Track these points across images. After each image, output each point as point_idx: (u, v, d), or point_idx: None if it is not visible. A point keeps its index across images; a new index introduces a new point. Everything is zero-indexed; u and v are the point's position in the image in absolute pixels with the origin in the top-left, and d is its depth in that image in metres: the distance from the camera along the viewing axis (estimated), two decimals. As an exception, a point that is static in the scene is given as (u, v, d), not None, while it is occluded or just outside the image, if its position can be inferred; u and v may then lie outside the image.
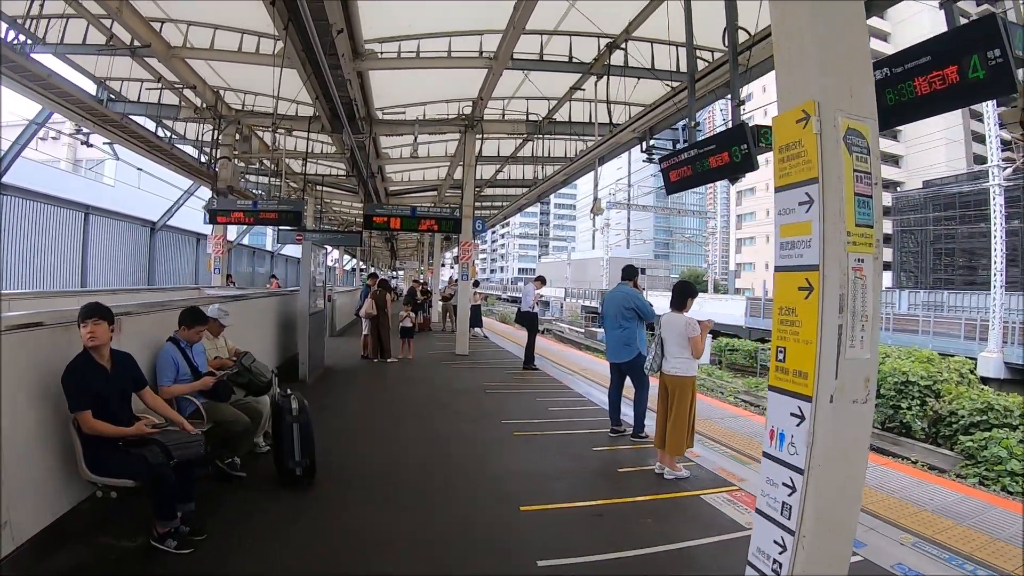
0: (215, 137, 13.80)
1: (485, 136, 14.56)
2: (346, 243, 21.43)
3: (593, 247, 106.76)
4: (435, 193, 23.49)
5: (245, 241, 26.09)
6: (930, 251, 44.65)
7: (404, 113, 14.23)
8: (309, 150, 13.94)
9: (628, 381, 7.14)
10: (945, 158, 55.50)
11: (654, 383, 6.15)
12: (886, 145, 63.83)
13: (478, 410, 8.37)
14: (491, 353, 14.80)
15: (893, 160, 65.10)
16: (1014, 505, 6.11)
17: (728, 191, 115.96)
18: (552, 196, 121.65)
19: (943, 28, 4.35)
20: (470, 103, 13.76)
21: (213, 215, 12.88)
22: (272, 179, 17.78)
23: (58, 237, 13.62)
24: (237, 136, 14.79)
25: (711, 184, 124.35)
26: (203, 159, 14.75)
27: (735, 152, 5.98)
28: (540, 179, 16.63)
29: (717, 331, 34.63)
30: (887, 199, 60.74)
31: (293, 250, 40.22)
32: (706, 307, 41.55)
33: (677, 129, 15.77)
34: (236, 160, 16.12)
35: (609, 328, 7.15)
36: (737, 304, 38.50)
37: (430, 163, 19.14)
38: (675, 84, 10.71)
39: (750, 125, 5.97)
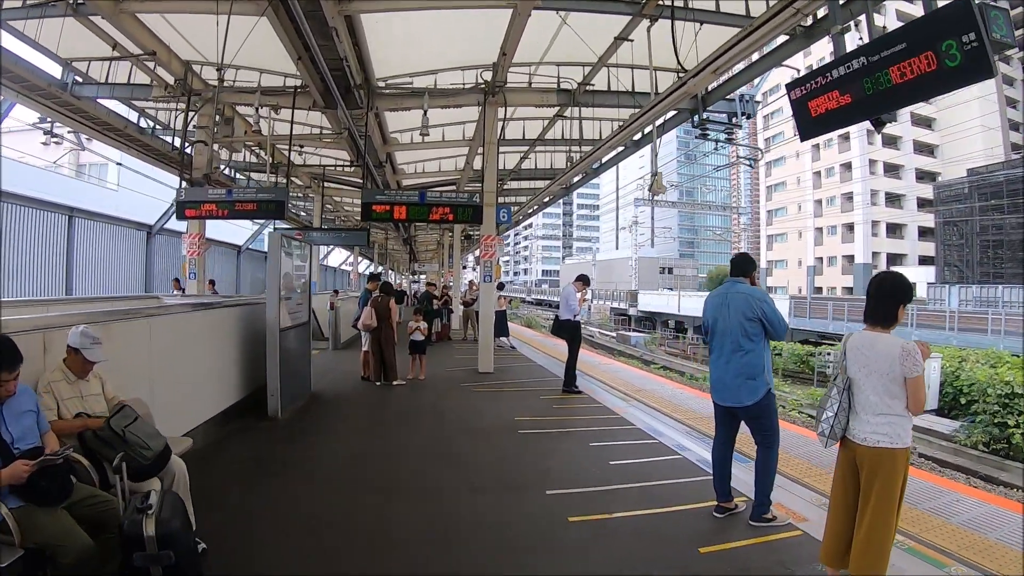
0: (186, 116, 11.53)
1: (508, 107, 12.03)
2: (350, 241, 19.03)
3: (617, 247, 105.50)
4: (453, 188, 21.06)
5: (254, 245, 24.45)
6: (977, 243, 41.32)
7: (411, 83, 11.88)
8: (292, 131, 11.50)
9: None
10: (983, 146, 52.46)
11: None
12: (920, 134, 60.93)
13: (509, 470, 5.83)
14: (520, 370, 12.29)
15: (928, 150, 62.01)
16: None
17: (751, 179, 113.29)
18: (575, 196, 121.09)
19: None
20: (489, 69, 11.38)
21: (181, 208, 10.63)
22: (272, 175, 15.63)
23: (37, 241, 13.11)
24: (217, 118, 12.51)
25: (734, 176, 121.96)
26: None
27: (948, 50, 3.46)
28: (574, 160, 14.08)
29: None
30: (927, 190, 57.78)
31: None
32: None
33: (734, 100, 13.36)
34: (219, 147, 13.96)
35: (722, 351, 4.63)
36: (780, 304, 35.50)
37: (446, 149, 16.71)
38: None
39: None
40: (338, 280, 41.11)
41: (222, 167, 13.95)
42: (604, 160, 17.67)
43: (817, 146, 65.07)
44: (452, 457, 6.08)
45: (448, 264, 26.86)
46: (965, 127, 51.91)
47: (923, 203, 60.45)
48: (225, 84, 12.13)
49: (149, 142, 12.89)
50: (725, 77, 10.86)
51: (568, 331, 9.50)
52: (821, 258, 66.69)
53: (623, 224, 67.02)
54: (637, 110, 10.75)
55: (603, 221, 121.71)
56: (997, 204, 39.29)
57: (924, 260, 59.40)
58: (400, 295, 18.15)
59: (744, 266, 4.76)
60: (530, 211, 28.00)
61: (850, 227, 61.97)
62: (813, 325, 31.89)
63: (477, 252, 28.99)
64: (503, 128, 12.42)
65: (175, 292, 14.66)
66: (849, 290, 59.67)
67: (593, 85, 11.96)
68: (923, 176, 61.24)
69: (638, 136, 15.05)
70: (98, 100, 12.56)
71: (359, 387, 9.97)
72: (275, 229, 14.37)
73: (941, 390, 17.65)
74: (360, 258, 40.82)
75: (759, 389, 4.47)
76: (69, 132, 14.27)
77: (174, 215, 15.55)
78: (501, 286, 15.52)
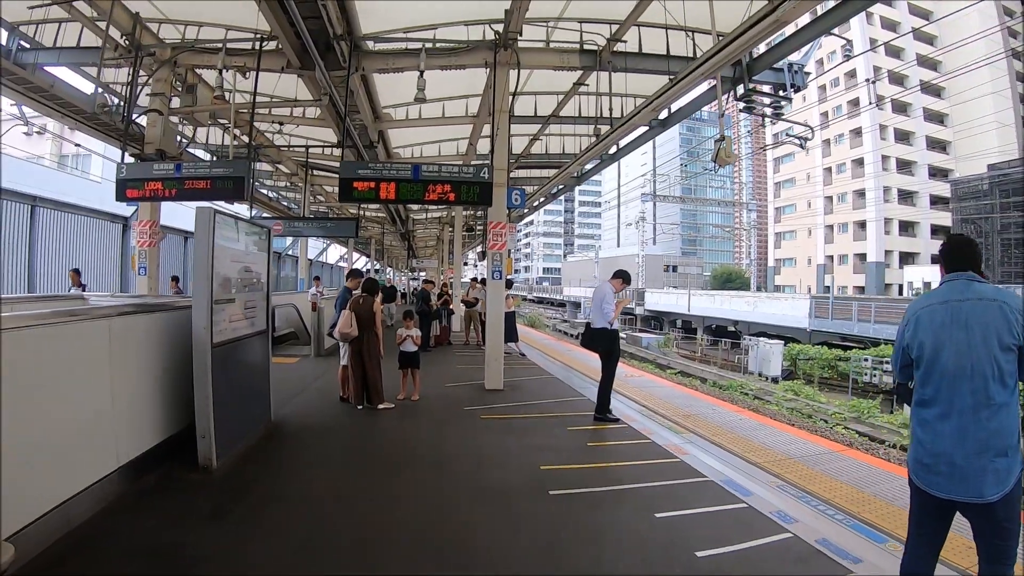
0: (133, 77, 9.53)
1: (522, 72, 9.96)
2: (338, 233, 16.95)
3: (618, 244, 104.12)
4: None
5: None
6: (998, 241, 39.42)
7: (405, 44, 9.90)
8: (256, 93, 9.37)
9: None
10: (998, 143, 50.69)
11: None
12: (932, 130, 59.09)
13: (545, 565, 3.76)
14: (535, 385, 10.22)
15: (940, 146, 60.20)
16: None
17: (754, 175, 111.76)
18: (576, 193, 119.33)
19: None
20: (500, 25, 9.39)
21: (121, 188, 8.63)
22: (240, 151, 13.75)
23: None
24: (176, 83, 10.52)
25: (736, 173, 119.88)
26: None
27: None
28: (596, 138, 11.98)
29: (777, 335, 30.02)
30: (943, 187, 55.88)
31: (313, 248, 36.43)
32: (762, 307, 36.92)
33: (782, 71, 11.45)
34: (181, 121, 12.02)
35: (951, 405, 2.63)
36: (800, 304, 33.57)
37: (446, 128, 14.68)
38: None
39: None
40: (334, 278, 39.03)
41: (183, 142, 11.87)
42: (623, 144, 15.80)
43: (828, 141, 63.31)
44: (459, 547, 3.97)
45: (448, 260, 24.71)
46: (979, 123, 50.17)
47: (935, 200, 58.71)
48: (186, 43, 10.26)
49: (91, 110, 10.79)
50: (773, 40, 9.07)
51: (604, 342, 7.46)
52: (832, 256, 64.84)
53: (628, 221, 65.18)
54: (669, 80, 8.83)
55: (604, 219, 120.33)
56: (1020, 201, 37.32)
57: (935, 259, 57.46)
58: (391, 292, 16.10)
59: (972, 255, 2.77)
60: (536, 203, 25.97)
61: (862, 224, 60.08)
62: (836, 327, 29.90)
63: (480, 248, 26.92)
64: (514, 98, 10.38)
65: (175, 291, 13.76)
66: (860, 289, 57.83)
67: (625, 42, 9.95)
68: (935, 173, 59.50)
69: (664, 114, 13.23)
70: (45, 68, 10.66)
71: (335, 413, 7.90)
72: (253, 218, 12.69)
73: None
74: (357, 255, 38.87)
75: (1012, 472, 2.48)
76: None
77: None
78: (509, 284, 13.55)
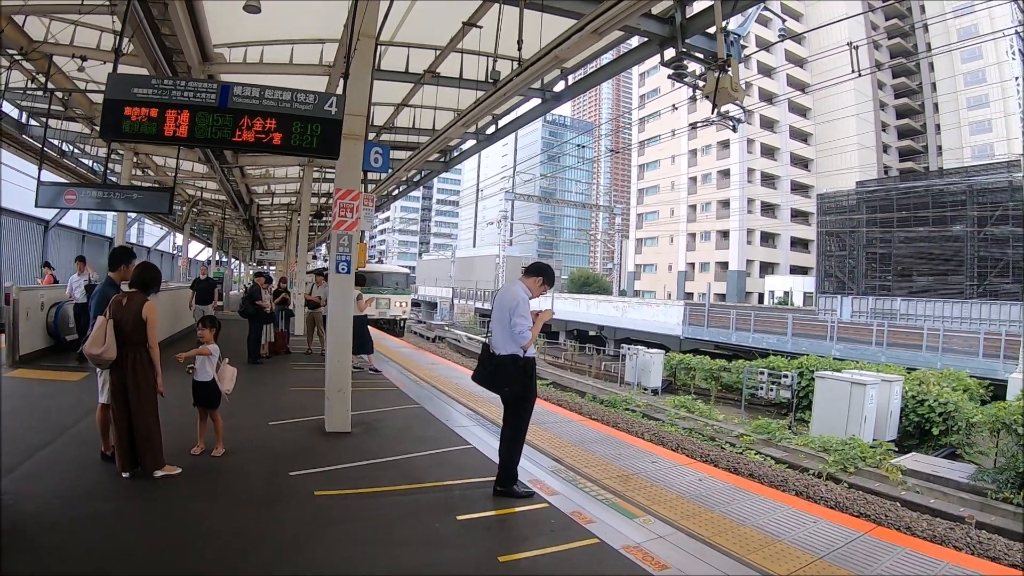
0: None
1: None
2: (146, 207, 12.92)
3: (474, 244, 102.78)
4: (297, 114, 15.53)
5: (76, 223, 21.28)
6: (863, 255, 41.02)
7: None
8: None
9: None
10: (858, 163, 53.85)
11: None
12: (796, 147, 62.05)
13: None
14: (399, 423, 7.20)
15: (803, 163, 63.53)
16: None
17: (612, 178, 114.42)
18: (435, 185, 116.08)
19: None
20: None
21: None
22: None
23: None
24: None
25: (596, 174, 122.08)
26: None
27: None
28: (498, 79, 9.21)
29: (644, 341, 28.67)
30: (805, 202, 58.63)
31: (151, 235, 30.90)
32: (632, 313, 35.74)
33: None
34: None
35: None
36: (673, 310, 32.54)
37: (295, 78, 11.24)
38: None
39: None
40: (170, 270, 33.17)
41: None
42: (513, 117, 13.39)
43: (695, 151, 64.67)
44: None
45: (295, 254, 20.93)
46: (842, 143, 52.85)
47: (796, 214, 61.51)
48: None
49: None
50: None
51: (514, 380, 4.66)
52: (693, 264, 66.26)
53: (486, 220, 63.49)
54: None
55: (462, 217, 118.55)
56: (886, 217, 38.81)
57: (794, 269, 60.30)
58: (206, 287, 12.72)
59: None
60: (396, 191, 22.85)
61: (724, 234, 61.67)
62: (712, 335, 29.02)
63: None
64: (382, 27, 7.45)
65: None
66: (721, 296, 59.21)
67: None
68: (797, 187, 62.38)
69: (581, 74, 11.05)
70: None
71: (87, 485, 4.56)
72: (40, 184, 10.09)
73: (902, 417, 14.66)
74: (192, 241, 33.70)
75: None
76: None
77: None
78: (361, 280, 10.52)
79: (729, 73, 5.34)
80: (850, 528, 4.65)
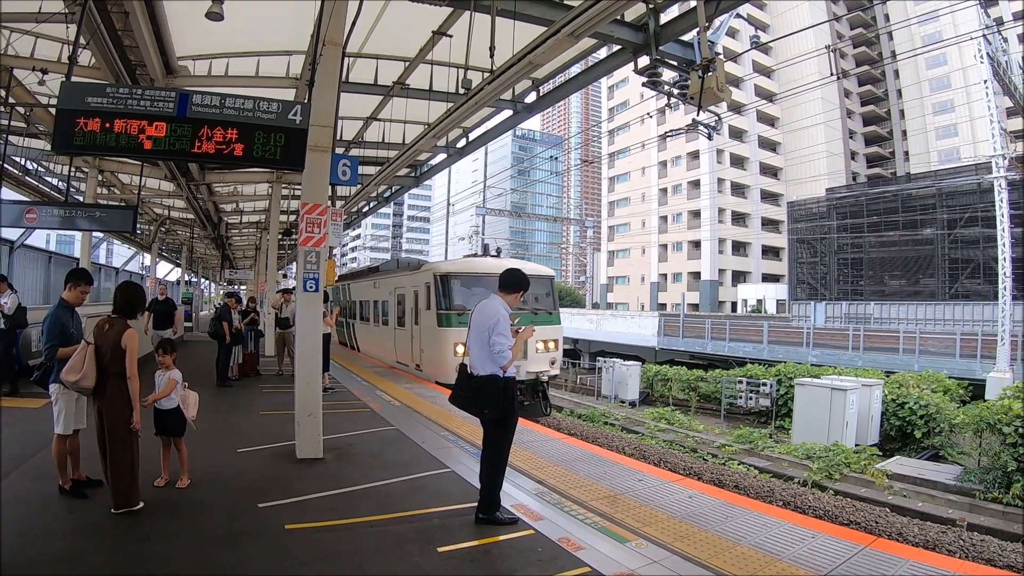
0: None
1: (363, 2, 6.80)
2: (109, 225, 12.29)
3: (446, 258, 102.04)
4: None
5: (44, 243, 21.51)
6: (835, 261, 41.48)
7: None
8: None
9: None
10: (827, 170, 54.58)
11: None
12: (764, 156, 62.69)
13: None
14: (372, 446, 6.87)
15: (772, 172, 64.25)
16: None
17: (582, 192, 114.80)
18: (406, 201, 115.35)
19: None
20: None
21: None
22: None
23: None
24: None
25: (566, 188, 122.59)
26: None
27: None
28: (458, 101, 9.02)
29: (619, 353, 28.53)
30: (776, 210, 59.34)
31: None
32: (607, 325, 35.63)
33: (691, 46, 9.35)
34: None
35: None
36: (648, 321, 32.49)
37: (260, 91, 10.90)
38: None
39: None
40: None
41: None
42: (484, 130, 13.26)
43: (664, 163, 65.05)
44: None
45: (265, 272, 20.44)
46: (810, 151, 53.63)
47: (766, 222, 62.10)
48: None
49: None
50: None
51: (494, 402, 4.40)
52: (665, 274, 66.50)
53: (457, 235, 63.08)
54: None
55: (433, 232, 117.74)
56: (856, 223, 39.32)
57: (766, 277, 60.82)
58: (168, 308, 12.22)
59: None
60: (366, 207, 22.57)
61: (696, 244, 62.03)
62: (687, 346, 29.00)
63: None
64: (349, 38, 7.21)
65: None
66: (695, 306, 59.45)
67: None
68: (767, 196, 62.99)
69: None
70: None
71: (46, 521, 4.22)
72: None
73: (883, 421, 14.63)
74: (161, 261, 32.97)
75: None
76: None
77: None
78: (326, 297, 10.20)
79: (713, 73, 5.13)
80: (849, 541, 4.44)
